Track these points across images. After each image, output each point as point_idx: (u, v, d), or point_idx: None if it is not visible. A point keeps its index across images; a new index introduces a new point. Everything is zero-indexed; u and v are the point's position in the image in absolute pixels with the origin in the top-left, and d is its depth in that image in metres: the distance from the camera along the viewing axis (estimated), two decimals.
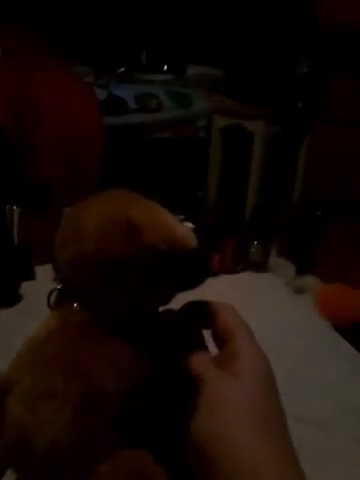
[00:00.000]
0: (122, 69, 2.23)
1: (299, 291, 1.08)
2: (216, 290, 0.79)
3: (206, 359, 0.34)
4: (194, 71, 2.33)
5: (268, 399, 0.33)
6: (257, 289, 0.84)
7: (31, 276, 0.76)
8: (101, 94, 1.88)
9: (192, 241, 0.33)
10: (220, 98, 2.20)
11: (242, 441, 0.30)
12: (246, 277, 0.87)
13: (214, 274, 0.83)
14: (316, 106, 1.97)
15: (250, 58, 2.14)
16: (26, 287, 0.74)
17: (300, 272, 1.22)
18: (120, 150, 1.68)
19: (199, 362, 0.34)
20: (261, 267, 0.89)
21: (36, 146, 1.27)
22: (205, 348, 0.36)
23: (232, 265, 0.86)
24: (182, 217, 0.78)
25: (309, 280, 1.24)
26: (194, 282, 0.34)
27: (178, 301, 0.36)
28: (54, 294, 0.36)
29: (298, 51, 2.06)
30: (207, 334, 0.37)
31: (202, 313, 0.37)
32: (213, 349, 0.36)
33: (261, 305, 0.77)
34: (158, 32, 2.40)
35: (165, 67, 2.36)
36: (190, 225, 0.72)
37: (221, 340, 0.35)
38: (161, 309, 0.36)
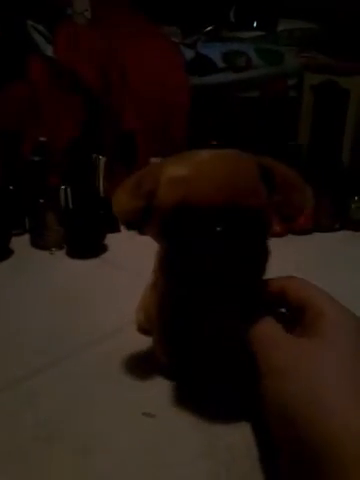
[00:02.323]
0: (210, 28, 2.15)
1: None
2: (310, 250, 0.73)
3: (271, 324, 0.33)
4: (286, 26, 2.20)
5: None
6: (356, 250, 0.76)
7: (116, 228, 0.75)
8: (188, 54, 1.83)
9: None
10: (313, 54, 2.07)
11: (335, 404, 0.27)
12: (344, 236, 0.79)
13: (308, 232, 0.77)
14: None
15: (346, 9, 1.98)
16: (111, 239, 0.73)
17: None
18: (207, 110, 1.63)
19: (264, 327, 0.33)
20: None
21: (123, 104, 1.27)
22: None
23: (328, 223, 0.79)
24: None
25: None
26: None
27: None
28: None
29: None
30: None
31: (269, 294, 0.36)
32: None
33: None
34: None
35: (255, 24, 2.24)
36: None
37: (298, 312, 0.34)
38: None
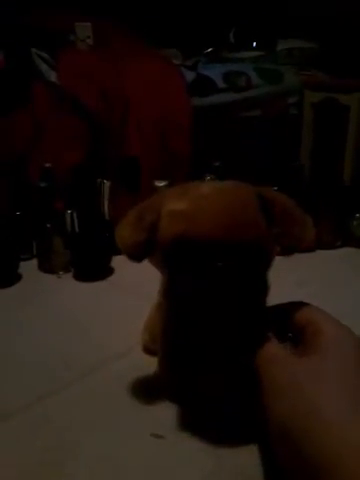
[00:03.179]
0: (210, 49, 2.19)
1: None
2: (312, 267, 0.74)
3: (274, 345, 0.34)
4: (285, 46, 2.23)
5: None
6: (358, 266, 0.77)
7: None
8: (189, 75, 1.86)
9: None
10: (312, 72, 2.10)
11: (333, 418, 0.28)
12: (346, 253, 0.80)
13: (310, 250, 0.78)
14: None
15: (344, 27, 2.01)
16: (117, 261, 0.74)
17: None
18: (209, 130, 1.66)
19: (267, 349, 0.34)
20: None
21: (126, 128, 1.30)
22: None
23: (330, 240, 0.80)
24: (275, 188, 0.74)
25: None
26: None
27: None
28: None
29: None
30: None
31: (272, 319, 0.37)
32: None
33: None
34: (246, 9, 2.33)
35: (254, 44, 2.28)
36: None
37: (300, 332, 0.35)
38: None
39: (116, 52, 1.56)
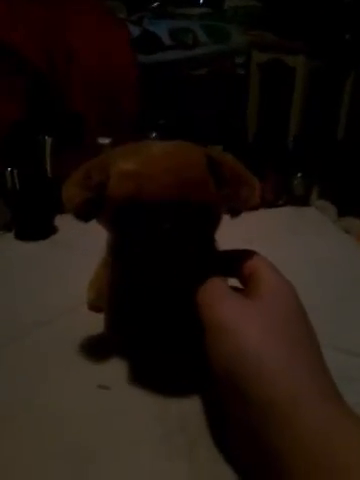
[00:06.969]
0: (156, 4, 2.12)
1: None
2: (256, 224, 0.76)
3: (219, 281, 0.35)
4: (232, 3, 2.20)
5: (294, 321, 0.32)
6: (300, 223, 0.80)
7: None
8: (134, 31, 1.80)
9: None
10: (259, 32, 2.09)
11: (265, 364, 0.29)
12: (287, 211, 0.83)
13: (254, 208, 0.79)
14: None
15: None
16: (61, 219, 0.73)
17: (343, 213, 1.16)
18: (155, 88, 1.62)
19: (212, 283, 0.35)
20: (304, 201, 0.84)
21: (70, 83, 1.25)
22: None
23: (273, 198, 0.82)
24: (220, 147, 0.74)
25: (351, 222, 1.19)
26: None
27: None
28: None
29: None
30: None
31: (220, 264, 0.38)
32: None
33: (305, 239, 0.73)
34: None
35: (201, 0, 2.23)
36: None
37: (244, 279, 0.36)
38: None
39: (56, 2, 1.47)
